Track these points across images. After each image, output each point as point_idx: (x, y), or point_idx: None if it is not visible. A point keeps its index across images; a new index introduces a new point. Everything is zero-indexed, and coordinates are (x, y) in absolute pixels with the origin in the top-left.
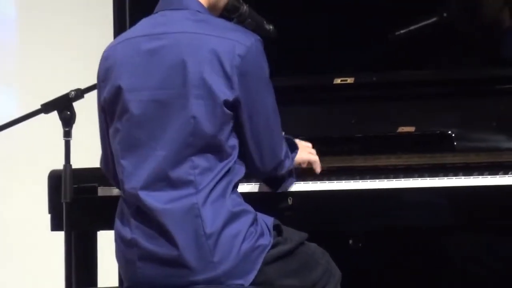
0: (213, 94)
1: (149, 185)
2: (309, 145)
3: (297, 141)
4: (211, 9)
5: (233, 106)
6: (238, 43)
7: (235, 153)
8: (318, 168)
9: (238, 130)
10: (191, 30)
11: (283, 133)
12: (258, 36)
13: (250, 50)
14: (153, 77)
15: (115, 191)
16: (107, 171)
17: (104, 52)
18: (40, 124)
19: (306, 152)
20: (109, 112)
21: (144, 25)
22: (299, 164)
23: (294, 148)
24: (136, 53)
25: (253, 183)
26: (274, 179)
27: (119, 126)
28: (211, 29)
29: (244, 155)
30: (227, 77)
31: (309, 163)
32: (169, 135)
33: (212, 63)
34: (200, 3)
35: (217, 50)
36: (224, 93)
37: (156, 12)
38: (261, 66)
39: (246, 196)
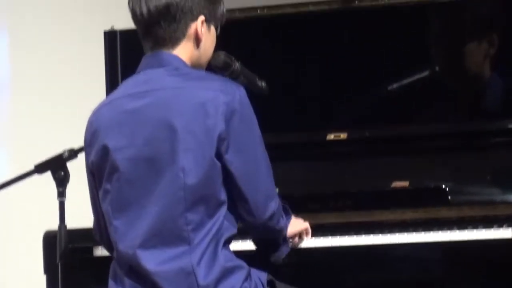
0: (201, 145)
1: (143, 244)
2: (299, 219)
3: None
4: (193, 65)
5: (221, 155)
6: (222, 92)
7: (226, 207)
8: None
9: (227, 180)
10: (174, 85)
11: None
12: (241, 86)
13: (234, 97)
14: (140, 135)
15: None
16: (100, 237)
17: (90, 116)
18: (34, 184)
19: (297, 225)
20: (97, 175)
21: (127, 86)
22: (294, 237)
23: (287, 213)
24: (121, 113)
25: (248, 240)
26: (270, 241)
27: (109, 187)
28: (193, 82)
29: (235, 208)
30: (214, 126)
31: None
32: (160, 191)
33: (197, 114)
34: (181, 60)
35: (202, 101)
36: (212, 144)
37: (138, 72)
38: (249, 116)
39: (241, 253)
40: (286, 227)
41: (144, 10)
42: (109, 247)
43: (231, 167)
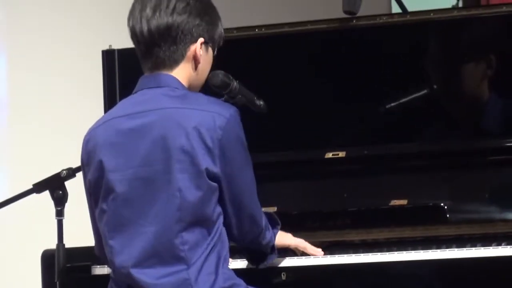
0: (197, 166)
1: (140, 263)
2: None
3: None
4: (190, 86)
5: (215, 177)
6: (217, 114)
7: (221, 225)
8: (317, 253)
9: (220, 202)
10: (170, 105)
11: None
12: (235, 108)
13: (229, 121)
14: (136, 155)
15: (108, 270)
16: (101, 255)
17: (85, 135)
18: (32, 203)
19: (291, 238)
20: (94, 194)
21: (123, 105)
22: (286, 247)
23: (275, 224)
24: (117, 133)
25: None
26: (258, 253)
27: (105, 207)
28: (189, 103)
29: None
30: (209, 149)
31: (298, 249)
32: (157, 211)
33: (193, 136)
34: (177, 80)
35: (197, 123)
36: (207, 164)
37: (135, 92)
38: (240, 137)
39: (239, 271)
40: (273, 238)
41: (145, 29)
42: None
43: (221, 187)
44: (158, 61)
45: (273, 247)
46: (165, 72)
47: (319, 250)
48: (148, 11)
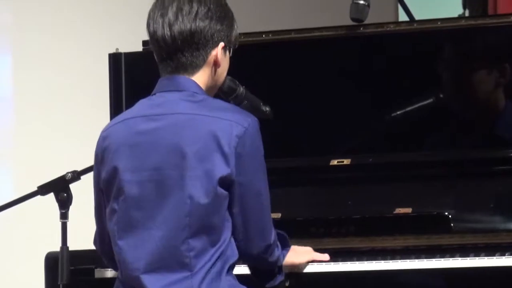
0: (210, 174)
1: (146, 267)
2: (308, 249)
3: (294, 246)
4: (208, 89)
5: (228, 185)
6: (235, 123)
7: (229, 235)
8: (324, 258)
9: (229, 211)
10: (188, 111)
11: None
12: (254, 117)
13: (247, 130)
14: (150, 158)
15: (111, 273)
16: (103, 251)
17: (102, 132)
18: (37, 205)
19: (302, 256)
20: (106, 193)
21: (141, 106)
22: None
23: (285, 245)
24: (133, 134)
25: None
26: (264, 272)
27: (116, 207)
28: (208, 110)
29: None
30: (225, 157)
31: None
32: (166, 216)
33: (209, 144)
34: (197, 85)
35: (215, 130)
36: (221, 172)
37: (154, 94)
38: (257, 147)
39: (243, 277)
40: (282, 257)
41: (167, 35)
42: (109, 258)
43: (233, 196)
44: (179, 66)
45: (280, 267)
46: (185, 76)
47: (326, 255)
48: (171, 15)
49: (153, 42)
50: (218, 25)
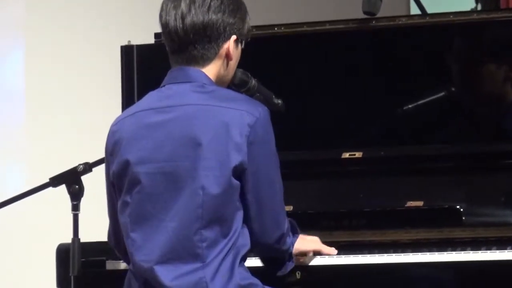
0: (223, 164)
1: (158, 258)
2: (316, 239)
3: (301, 235)
4: (218, 82)
5: (240, 174)
6: (246, 113)
7: (240, 225)
8: (331, 252)
9: (242, 201)
10: (199, 102)
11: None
12: (265, 107)
13: (258, 119)
14: (162, 150)
15: (123, 265)
16: (117, 245)
17: (112, 125)
18: (49, 197)
19: (308, 243)
20: (117, 186)
21: (151, 99)
22: (301, 253)
23: (295, 231)
24: (144, 126)
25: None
26: (275, 259)
27: (128, 199)
28: (218, 100)
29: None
30: (237, 146)
31: (317, 252)
32: (179, 207)
33: (221, 133)
34: (206, 76)
35: (226, 120)
36: (234, 162)
37: (163, 86)
38: (269, 136)
39: (254, 270)
40: (292, 245)
41: (179, 27)
42: (125, 255)
43: (245, 187)
44: (190, 58)
45: (290, 254)
46: (195, 67)
47: (333, 249)
48: (183, 8)
49: (165, 34)
50: (230, 18)
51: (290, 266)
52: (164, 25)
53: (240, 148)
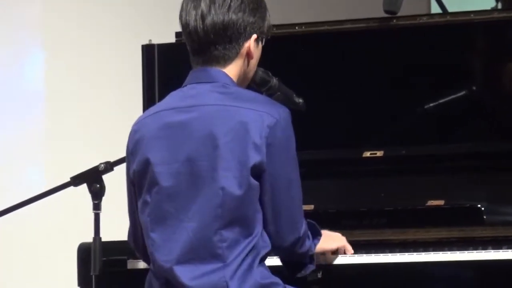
0: (242, 165)
1: (178, 258)
2: (339, 235)
3: (326, 231)
4: (240, 81)
5: (259, 175)
6: (267, 114)
7: (261, 228)
8: (348, 251)
9: (260, 202)
10: (220, 102)
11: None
12: (286, 108)
13: (278, 121)
14: (182, 150)
15: (143, 264)
16: (136, 245)
17: (134, 125)
18: (70, 196)
19: (334, 241)
20: (137, 185)
21: (172, 98)
22: (327, 252)
23: (317, 235)
24: (165, 126)
25: None
26: (294, 261)
27: (148, 199)
28: (239, 101)
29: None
30: (256, 147)
31: (340, 250)
32: (198, 207)
33: (241, 134)
34: (228, 76)
35: (246, 121)
36: (252, 162)
37: (185, 86)
38: (289, 138)
39: (275, 268)
40: (312, 247)
41: (200, 27)
42: (144, 255)
43: (263, 187)
44: (211, 58)
45: (311, 256)
46: (217, 68)
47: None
48: (203, 8)
49: (186, 34)
50: (251, 18)
51: (310, 268)
52: (185, 25)
53: (259, 148)
